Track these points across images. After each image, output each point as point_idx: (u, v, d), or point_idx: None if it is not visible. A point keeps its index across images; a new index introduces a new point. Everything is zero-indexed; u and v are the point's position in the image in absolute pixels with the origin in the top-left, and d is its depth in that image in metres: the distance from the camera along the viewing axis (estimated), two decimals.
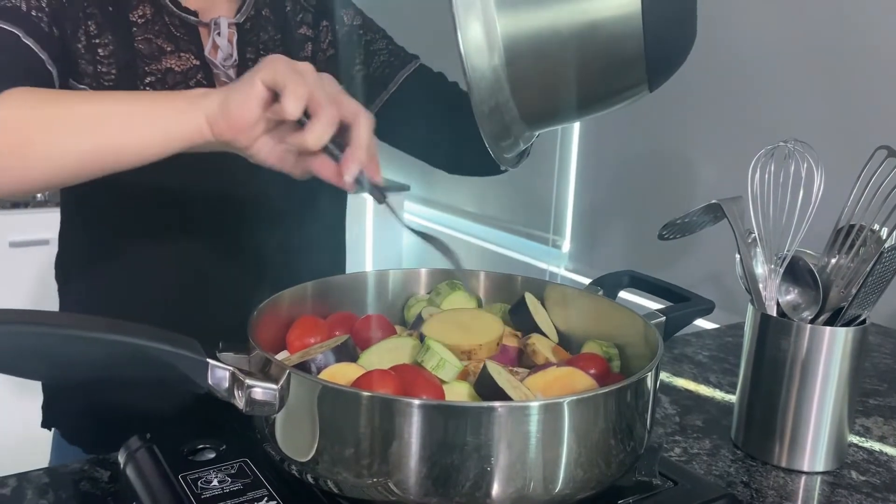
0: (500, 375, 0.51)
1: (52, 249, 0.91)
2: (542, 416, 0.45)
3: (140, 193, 0.79)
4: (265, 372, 0.48)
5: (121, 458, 0.60)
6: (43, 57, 0.72)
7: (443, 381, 0.54)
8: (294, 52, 0.90)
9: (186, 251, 0.83)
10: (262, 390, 0.46)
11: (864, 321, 0.77)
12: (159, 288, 0.83)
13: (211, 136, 0.58)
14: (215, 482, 0.54)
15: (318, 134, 0.55)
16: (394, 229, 2.52)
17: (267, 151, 0.59)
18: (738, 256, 0.80)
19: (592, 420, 0.48)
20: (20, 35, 0.70)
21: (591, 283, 0.67)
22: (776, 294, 0.80)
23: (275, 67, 0.56)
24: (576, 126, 1.87)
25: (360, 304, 0.70)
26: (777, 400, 0.78)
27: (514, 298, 0.69)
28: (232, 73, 0.84)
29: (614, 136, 1.76)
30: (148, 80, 0.79)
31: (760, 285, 0.80)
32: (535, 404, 0.46)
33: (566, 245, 1.98)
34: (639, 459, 0.54)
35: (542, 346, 0.60)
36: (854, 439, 0.85)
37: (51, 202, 1.91)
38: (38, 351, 0.41)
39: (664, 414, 0.88)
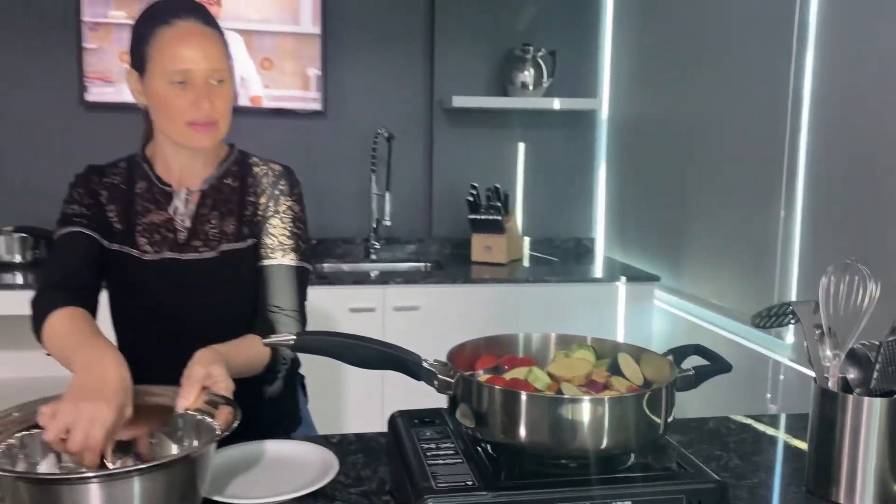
0: (569, 388, 0.92)
1: None
2: (590, 406, 0.86)
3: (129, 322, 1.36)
4: (450, 375, 0.95)
5: (389, 421, 1.11)
6: (97, 236, 1.28)
7: (536, 389, 0.96)
8: (240, 208, 1.36)
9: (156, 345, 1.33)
10: (443, 381, 0.93)
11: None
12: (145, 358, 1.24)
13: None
14: (428, 434, 1.02)
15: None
16: (644, 312, 2.86)
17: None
18: (805, 344, 1.09)
19: (621, 411, 0.88)
20: (82, 231, 1.28)
21: (666, 352, 1.03)
22: (838, 373, 1.07)
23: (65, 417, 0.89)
24: (797, 224, 2.09)
25: (515, 351, 1.13)
26: (832, 452, 1.04)
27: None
28: (188, 221, 1.33)
29: (834, 234, 1.96)
30: (139, 228, 1.31)
31: (827, 364, 1.08)
32: (585, 399, 0.87)
33: (790, 337, 2.17)
34: (657, 440, 0.90)
35: (618, 383, 0.99)
36: None
37: None
38: (346, 350, 0.93)
39: (763, 459, 1.17)
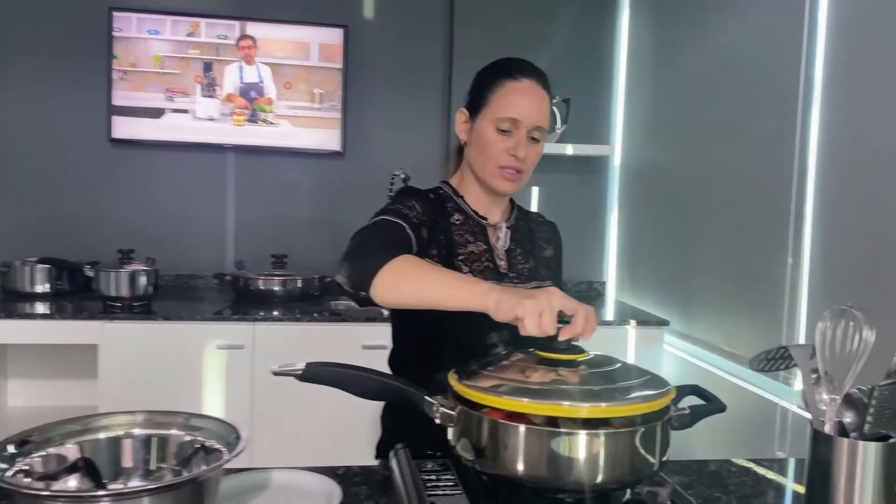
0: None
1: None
2: (586, 441, 0.89)
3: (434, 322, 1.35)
4: (452, 407, 0.98)
5: (391, 454, 1.13)
6: (414, 241, 1.30)
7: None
8: (534, 250, 1.48)
9: (449, 349, 1.37)
10: (443, 412, 0.96)
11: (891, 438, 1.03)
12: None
13: (485, 311, 1.04)
14: (429, 466, 1.04)
15: (530, 331, 0.98)
16: (653, 354, 2.87)
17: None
18: (801, 388, 1.11)
19: (617, 446, 0.90)
20: (406, 228, 1.30)
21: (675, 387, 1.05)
22: (834, 416, 1.09)
23: (523, 307, 0.97)
24: (804, 271, 2.11)
25: None
26: (828, 496, 1.06)
27: None
28: (503, 254, 1.43)
29: (841, 281, 1.98)
30: (460, 257, 1.39)
31: (823, 407, 1.10)
32: (581, 433, 0.89)
33: (798, 384, 2.18)
34: (652, 476, 0.92)
35: None
36: None
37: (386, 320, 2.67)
38: (353, 381, 0.97)
39: (763, 502, 1.18)
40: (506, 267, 1.43)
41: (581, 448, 0.89)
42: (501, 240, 1.44)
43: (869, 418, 1.03)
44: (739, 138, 2.43)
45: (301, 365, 0.97)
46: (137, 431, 1.00)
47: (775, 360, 1.16)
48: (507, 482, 0.93)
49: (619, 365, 1.01)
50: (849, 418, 1.11)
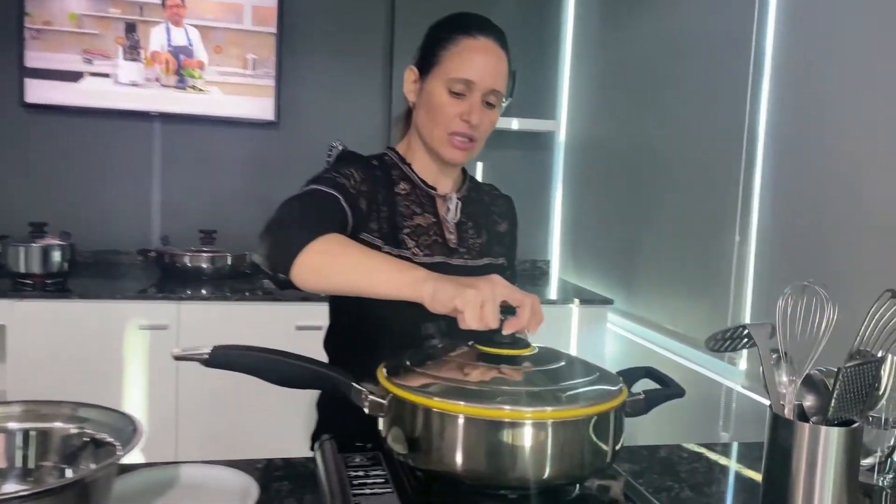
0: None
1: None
2: (532, 431, 0.79)
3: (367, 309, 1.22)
4: (381, 393, 0.87)
5: (316, 447, 1.02)
6: (349, 214, 1.16)
7: None
8: (488, 224, 1.36)
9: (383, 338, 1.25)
10: (373, 401, 0.85)
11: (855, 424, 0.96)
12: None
13: (420, 301, 0.92)
14: (357, 460, 0.93)
15: (470, 324, 0.86)
16: (596, 333, 2.81)
17: None
18: (761, 368, 1.04)
19: (565, 436, 0.81)
20: (341, 199, 1.16)
21: (617, 372, 0.96)
22: (794, 399, 1.02)
23: (463, 298, 0.86)
24: (751, 249, 2.06)
25: None
26: (787, 484, 0.99)
27: None
28: (453, 228, 1.31)
29: (788, 258, 1.94)
30: (406, 231, 1.25)
31: (783, 390, 1.03)
32: (527, 423, 0.80)
33: (742, 363, 2.14)
34: (604, 469, 0.83)
35: None
36: None
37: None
38: (269, 366, 0.84)
39: (715, 491, 1.11)
40: (456, 241, 1.31)
41: (527, 439, 0.79)
42: (451, 212, 1.31)
43: (833, 402, 0.96)
44: (687, 116, 2.37)
45: (207, 348, 0.84)
46: (13, 425, 0.86)
47: (732, 340, 1.09)
48: (443, 478, 0.83)
49: (565, 361, 0.91)
50: (809, 401, 1.04)
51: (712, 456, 1.25)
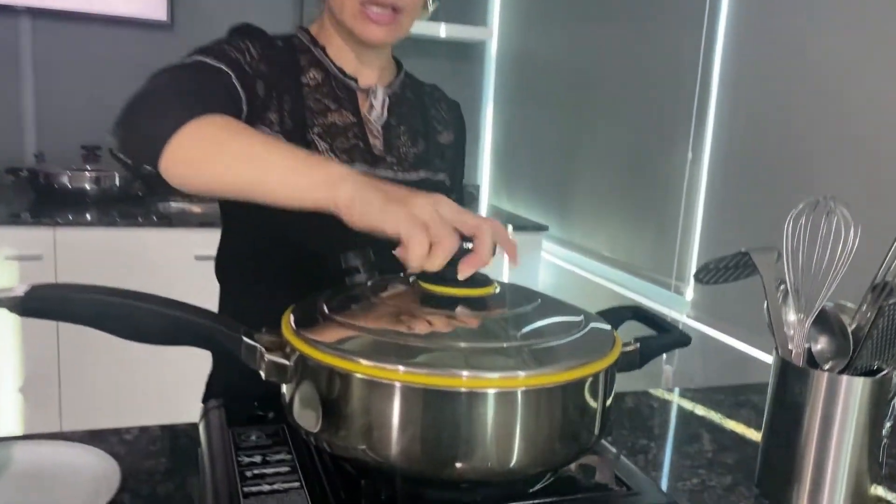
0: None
1: None
2: (496, 402, 0.56)
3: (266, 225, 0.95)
4: (284, 350, 0.62)
5: (200, 416, 0.76)
6: (243, 98, 0.89)
7: None
8: (426, 131, 1.09)
9: (287, 272, 0.98)
10: (271, 362, 0.60)
11: (884, 372, 0.78)
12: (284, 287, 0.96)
13: (335, 212, 0.65)
14: (254, 437, 0.69)
15: (413, 263, 0.61)
16: (531, 264, 2.63)
17: None
18: (765, 303, 0.84)
19: (539, 409, 0.58)
20: (232, 76, 0.89)
21: (596, 313, 0.75)
22: (803, 342, 0.83)
23: (396, 217, 0.62)
24: (702, 181, 1.88)
25: None
26: (796, 444, 0.80)
27: None
28: (378, 131, 1.02)
29: (741, 185, 1.76)
30: (316, 130, 0.98)
31: (790, 332, 0.84)
32: (489, 391, 0.57)
33: (689, 292, 1.99)
34: (586, 450, 0.62)
35: None
36: (883, 493, 0.84)
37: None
38: (114, 314, 0.58)
39: (699, 449, 0.92)
40: (382, 148, 1.03)
41: (490, 416, 0.56)
42: (377, 110, 1.03)
43: (863, 347, 0.76)
44: (636, 24, 2.14)
45: (20, 289, 0.57)
46: None
47: (727, 270, 0.88)
48: (373, 469, 0.59)
49: (538, 302, 0.68)
50: (821, 344, 0.85)
51: (686, 405, 1.07)
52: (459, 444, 0.57)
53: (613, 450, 0.67)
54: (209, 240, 2.18)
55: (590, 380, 0.60)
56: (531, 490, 0.63)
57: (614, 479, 0.64)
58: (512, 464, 0.58)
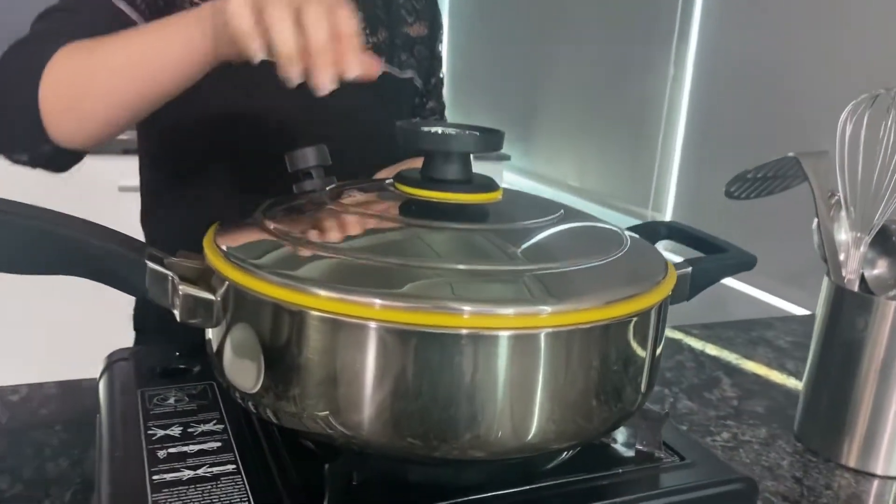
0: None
1: None
2: (509, 348, 0.39)
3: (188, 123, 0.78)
4: (208, 281, 0.44)
5: (100, 371, 0.58)
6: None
7: None
8: (389, 20, 0.89)
9: (234, 177, 0.81)
10: (189, 296, 0.42)
11: None
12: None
13: (229, 53, 0.55)
14: (171, 400, 0.51)
15: (291, 76, 0.49)
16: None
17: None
18: (815, 220, 0.69)
19: (570, 360, 0.41)
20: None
21: (627, 229, 0.58)
22: (859, 267, 0.68)
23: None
24: (684, 102, 1.73)
25: None
26: (849, 389, 0.66)
27: None
28: None
29: (722, 110, 1.61)
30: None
31: (841, 255, 0.69)
32: (502, 334, 0.39)
33: (668, 213, 1.85)
34: (630, 413, 0.46)
35: None
36: None
37: None
38: None
39: (721, 396, 0.78)
40: None
41: (499, 368, 0.39)
42: None
43: None
44: None
45: None
46: None
47: (765, 181, 0.72)
48: (337, 444, 0.42)
49: (560, 213, 0.51)
50: (880, 269, 0.70)
51: (696, 344, 0.92)
52: (459, 409, 0.40)
53: (655, 409, 0.51)
54: (135, 169, 1.95)
55: (637, 318, 0.43)
56: (549, 466, 0.46)
57: (661, 445, 0.48)
58: (531, 435, 0.41)
